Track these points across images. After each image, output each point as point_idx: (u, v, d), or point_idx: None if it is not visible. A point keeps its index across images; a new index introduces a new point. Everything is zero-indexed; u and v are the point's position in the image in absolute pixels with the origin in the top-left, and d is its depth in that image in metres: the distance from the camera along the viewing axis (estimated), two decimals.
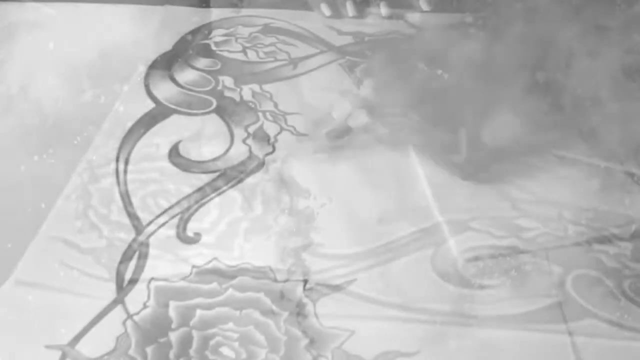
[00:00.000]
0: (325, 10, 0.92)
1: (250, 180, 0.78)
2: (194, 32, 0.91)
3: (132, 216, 0.74)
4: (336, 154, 0.80)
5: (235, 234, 0.74)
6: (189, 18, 0.92)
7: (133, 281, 0.70)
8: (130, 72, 0.87)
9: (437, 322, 0.67)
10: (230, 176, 0.78)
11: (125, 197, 0.75)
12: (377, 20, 0.96)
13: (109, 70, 0.87)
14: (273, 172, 0.78)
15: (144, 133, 0.80)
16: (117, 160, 0.77)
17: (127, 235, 0.73)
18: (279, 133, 0.82)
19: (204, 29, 0.93)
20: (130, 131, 0.80)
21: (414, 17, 0.98)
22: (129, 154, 0.78)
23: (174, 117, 0.82)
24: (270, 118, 0.83)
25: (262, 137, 0.81)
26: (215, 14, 0.93)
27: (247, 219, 0.75)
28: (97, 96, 0.84)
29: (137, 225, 0.73)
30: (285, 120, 0.83)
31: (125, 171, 0.76)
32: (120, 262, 0.71)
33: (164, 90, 0.83)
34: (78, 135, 0.80)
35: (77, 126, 0.82)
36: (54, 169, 0.78)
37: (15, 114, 0.83)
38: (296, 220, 0.75)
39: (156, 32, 0.90)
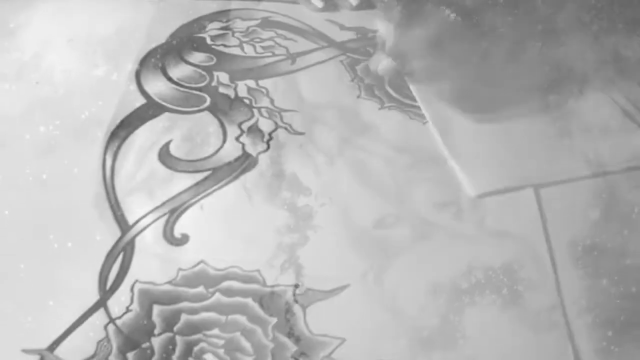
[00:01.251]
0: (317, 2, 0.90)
1: (253, 172, 0.76)
2: (210, 18, 0.89)
3: (118, 215, 0.71)
4: (340, 155, 0.78)
5: (226, 235, 0.72)
6: (207, 5, 0.90)
7: (116, 283, 0.67)
8: (147, 52, 0.86)
9: (424, 334, 0.65)
10: (221, 175, 0.75)
11: (112, 194, 0.73)
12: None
13: (125, 48, 0.86)
14: (276, 166, 0.76)
15: (134, 130, 0.77)
16: (105, 155, 0.75)
17: (112, 235, 0.70)
18: (274, 130, 0.79)
19: (222, 17, 0.90)
20: (120, 126, 0.77)
21: None
22: (117, 149, 0.75)
23: (166, 115, 0.79)
24: (265, 115, 0.80)
25: (257, 135, 0.79)
26: (235, 4, 0.91)
27: (243, 212, 0.74)
28: (110, 72, 0.83)
29: (123, 225, 0.71)
30: (281, 117, 0.81)
31: (112, 168, 0.74)
32: (104, 263, 0.68)
33: (156, 85, 0.81)
34: (86, 110, 0.79)
35: (87, 100, 0.81)
36: (57, 142, 0.77)
37: (26, 81, 0.82)
38: (294, 216, 0.73)
39: (176, 17, 0.89)
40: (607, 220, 0.71)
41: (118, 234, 0.71)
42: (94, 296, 0.67)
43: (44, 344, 0.64)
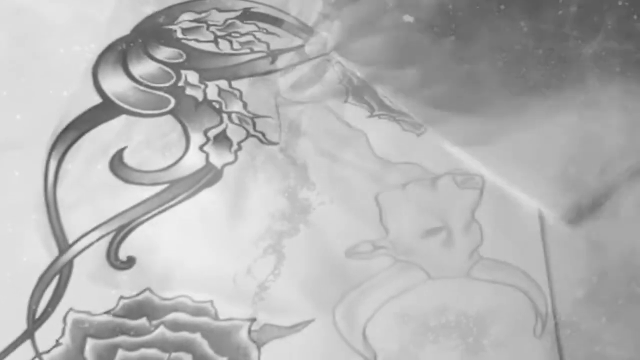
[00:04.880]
0: None
1: (266, 151, 0.74)
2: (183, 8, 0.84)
3: (57, 230, 0.66)
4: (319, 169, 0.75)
5: (178, 260, 0.66)
6: None
7: (48, 311, 0.62)
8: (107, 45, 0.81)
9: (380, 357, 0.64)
10: (178, 190, 0.70)
11: (52, 206, 0.67)
12: None
13: None
14: (289, 153, 0.74)
15: (85, 132, 0.72)
16: (48, 160, 0.70)
17: (47, 254, 0.65)
18: (244, 139, 0.74)
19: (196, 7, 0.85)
20: (69, 128, 0.72)
21: None
22: (63, 154, 0.70)
23: (123, 117, 0.74)
24: (236, 121, 0.75)
25: (224, 144, 0.73)
26: None
27: (244, 191, 0.71)
28: (158, 15, 0.82)
29: (61, 242, 0.66)
30: (254, 125, 0.75)
31: (56, 175, 0.69)
32: (36, 287, 0.63)
33: (115, 83, 0.75)
34: (125, 43, 0.79)
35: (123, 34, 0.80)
36: (87, 65, 0.77)
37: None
38: (291, 206, 0.70)
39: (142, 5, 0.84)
40: (590, 302, 0.68)
41: (55, 252, 0.66)
42: (20, 326, 0.62)
43: None
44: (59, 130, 0.73)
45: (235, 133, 0.75)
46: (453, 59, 0.81)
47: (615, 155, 0.75)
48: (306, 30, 0.86)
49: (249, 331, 0.63)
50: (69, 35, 0.78)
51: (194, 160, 0.73)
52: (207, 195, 0.71)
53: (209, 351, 0.62)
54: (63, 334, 0.62)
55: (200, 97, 0.78)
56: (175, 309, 0.64)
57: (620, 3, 0.80)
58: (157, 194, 0.70)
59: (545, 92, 0.80)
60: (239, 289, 0.66)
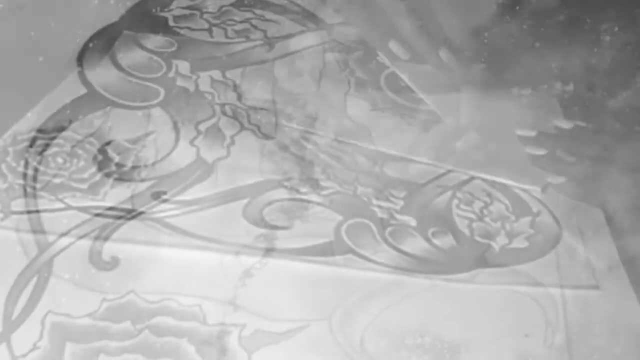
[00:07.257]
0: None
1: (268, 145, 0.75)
2: None
3: (36, 228, 0.66)
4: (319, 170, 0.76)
5: (163, 259, 0.66)
6: None
7: (25, 313, 0.62)
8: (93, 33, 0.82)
9: None
10: (167, 186, 0.70)
11: (32, 202, 0.68)
12: None
13: None
14: (298, 146, 0.75)
15: (68, 125, 0.72)
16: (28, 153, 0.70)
17: (25, 253, 0.65)
18: (237, 133, 0.74)
19: None
20: (51, 119, 0.72)
21: None
22: (45, 147, 0.70)
23: (109, 109, 0.74)
24: (229, 113, 0.75)
25: (216, 137, 0.73)
26: None
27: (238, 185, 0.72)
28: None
29: (41, 240, 0.66)
30: (249, 117, 0.75)
31: (36, 169, 0.69)
32: (13, 287, 0.63)
33: (102, 73, 0.76)
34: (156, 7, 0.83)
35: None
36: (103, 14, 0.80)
37: None
38: (291, 200, 0.72)
39: None
40: (566, 350, 0.68)
41: (34, 251, 0.65)
42: None
43: None
44: (40, 122, 0.74)
45: (228, 126, 0.76)
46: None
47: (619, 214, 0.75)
48: (306, 16, 0.86)
49: (239, 337, 0.63)
50: None
51: (183, 155, 0.73)
52: (197, 192, 0.71)
53: (196, 357, 0.62)
54: (41, 337, 0.62)
55: (191, 88, 0.78)
56: (160, 312, 0.64)
57: None
58: (144, 191, 0.70)
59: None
60: (225, 271, 0.66)
